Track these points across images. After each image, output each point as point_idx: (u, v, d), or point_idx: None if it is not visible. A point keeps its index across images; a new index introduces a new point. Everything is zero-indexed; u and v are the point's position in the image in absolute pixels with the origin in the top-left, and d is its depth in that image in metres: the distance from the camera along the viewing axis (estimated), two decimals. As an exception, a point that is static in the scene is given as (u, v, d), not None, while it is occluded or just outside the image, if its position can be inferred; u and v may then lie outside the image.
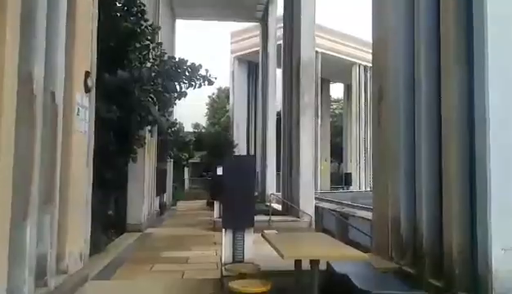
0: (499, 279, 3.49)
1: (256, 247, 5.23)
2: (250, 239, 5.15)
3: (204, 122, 36.22)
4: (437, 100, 4.44)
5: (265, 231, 5.18)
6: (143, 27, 9.26)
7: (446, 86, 4.27)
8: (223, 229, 5.15)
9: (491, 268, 3.51)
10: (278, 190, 16.50)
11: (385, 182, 5.41)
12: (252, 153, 27.26)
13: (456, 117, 4.08)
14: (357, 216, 10.47)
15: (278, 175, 16.86)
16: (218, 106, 36.90)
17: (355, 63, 33.91)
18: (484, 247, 3.61)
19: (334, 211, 12.20)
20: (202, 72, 9.72)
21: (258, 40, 23.55)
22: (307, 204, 12.01)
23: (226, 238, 5.12)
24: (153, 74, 9.60)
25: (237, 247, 5.09)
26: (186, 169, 27.39)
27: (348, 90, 37.62)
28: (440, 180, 4.37)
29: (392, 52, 5.29)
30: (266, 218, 10.84)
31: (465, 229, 3.94)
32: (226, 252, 5.10)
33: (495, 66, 3.72)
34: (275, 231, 8.80)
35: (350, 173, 34.81)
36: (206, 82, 9.73)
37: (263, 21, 21.84)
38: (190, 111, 32.40)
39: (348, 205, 14.16)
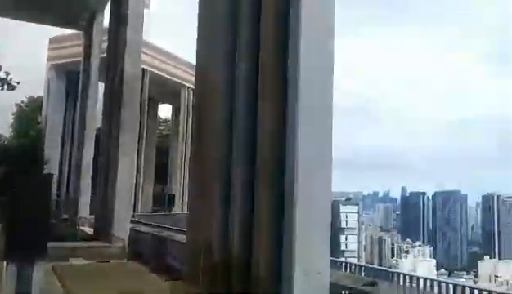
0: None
1: (54, 282, 4.46)
2: (41, 274, 4.34)
3: (8, 133, 31.41)
4: (254, 135, 4.56)
5: (71, 259, 4.49)
6: None
7: (262, 125, 4.43)
8: (4, 263, 4.24)
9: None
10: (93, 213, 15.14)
11: (200, 205, 5.28)
12: (66, 171, 24.75)
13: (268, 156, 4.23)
14: (173, 239, 10.18)
15: (94, 196, 15.52)
16: (28, 117, 32.50)
17: (184, 85, 34.26)
18: (289, 275, 3.70)
19: (149, 234, 11.67)
20: (1, 75, 8.30)
21: (80, 49, 21.72)
22: (122, 228, 11.19)
23: (7, 273, 4.21)
24: None
25: (23, 284, 4.22)
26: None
27: (176, 112, 37.67)
28: (252, 202, 4.43)
29: (214, 75, 5.29)
30: (73, 244, 9.72)
31: (272, 252, 4.01)
32: (6, 292, 4.18)
33: (304, 104, 3.98)
34: (81, 258, 7.86)
35: (174, 195, 34.49)
36: (5, 87, 8.32)
37: (88, 31, 20.28)
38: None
39: (166, 228, 13.79)
